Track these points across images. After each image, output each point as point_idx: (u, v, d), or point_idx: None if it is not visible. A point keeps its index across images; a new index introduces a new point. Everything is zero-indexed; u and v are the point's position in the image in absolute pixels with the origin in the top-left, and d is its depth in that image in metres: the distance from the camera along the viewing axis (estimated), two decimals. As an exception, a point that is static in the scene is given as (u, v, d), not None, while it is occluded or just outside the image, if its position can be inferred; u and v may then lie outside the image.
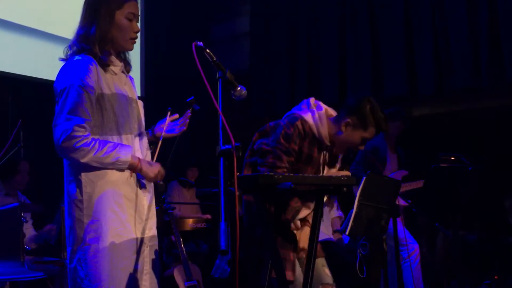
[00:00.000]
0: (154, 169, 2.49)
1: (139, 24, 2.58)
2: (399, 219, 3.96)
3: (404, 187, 4.83)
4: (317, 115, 2.96)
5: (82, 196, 2.38)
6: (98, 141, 2.36)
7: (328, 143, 2.97)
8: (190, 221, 5.34)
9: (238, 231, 1.99)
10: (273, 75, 7.09)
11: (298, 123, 2.91)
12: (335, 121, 2.98)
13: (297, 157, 2.92)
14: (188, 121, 2.70)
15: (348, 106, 2.98)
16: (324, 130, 2.94)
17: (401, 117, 5.04)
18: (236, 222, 2.00)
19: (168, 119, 2.70)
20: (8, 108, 5.57)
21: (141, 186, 2.50)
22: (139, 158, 2.47)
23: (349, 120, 2.93)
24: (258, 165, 2.92)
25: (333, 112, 3.06)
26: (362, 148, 3.03)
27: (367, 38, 6.41)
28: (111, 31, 2.47)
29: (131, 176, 2.45)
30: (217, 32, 7.66)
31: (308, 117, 2.95)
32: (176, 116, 2.76)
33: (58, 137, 2.33)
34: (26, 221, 4.35)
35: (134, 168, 2.44)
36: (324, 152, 3.01)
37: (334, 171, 3.07)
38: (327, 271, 3.09)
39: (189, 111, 2.69)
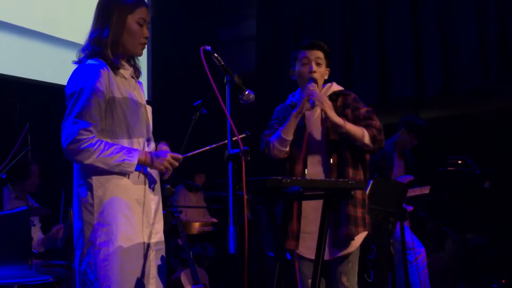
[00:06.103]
0: (161, 160, 2.45)
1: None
2: (406, 223, 3.95)
3: (411, 193, 4.80)
4: None
5: (93, 199, 2.39)
6: (104, 143, 2.37)
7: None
8: (196, 225, 5.35)
9: (247, 235, 1.99)
10: (280, 78, 7.08)
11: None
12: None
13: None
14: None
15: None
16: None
17: (417, 128, 4.92)
18: (245, 225, 2.00)
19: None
20: (16, 112, 5.59)
21: (150, 189, 2.50)
22: (145, 152, 2.46)
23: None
24: None
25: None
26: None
27: (374, 40, 6.39)
28: (123, 35, 2.49)
29: (138, 177, 2.45)
30: (223, 35, 7.66)
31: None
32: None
33: (64, 139, 2.36)
34: (34, 225, 4.36)
35: (143, 163, 2.43)
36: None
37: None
38: (344, 279, 2.97)
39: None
